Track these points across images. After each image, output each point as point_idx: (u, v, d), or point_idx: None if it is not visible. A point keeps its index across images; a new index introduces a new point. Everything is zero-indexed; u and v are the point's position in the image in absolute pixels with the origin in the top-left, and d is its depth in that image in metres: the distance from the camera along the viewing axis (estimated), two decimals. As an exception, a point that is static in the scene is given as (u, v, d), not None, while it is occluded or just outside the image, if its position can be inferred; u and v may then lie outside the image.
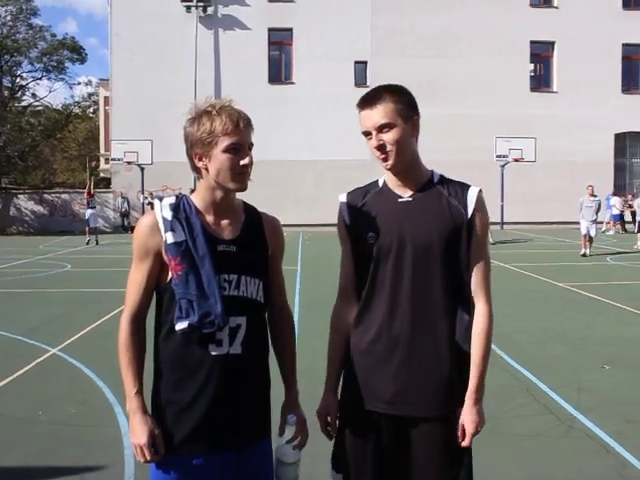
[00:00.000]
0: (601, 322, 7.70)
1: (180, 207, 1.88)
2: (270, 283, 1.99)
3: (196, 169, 1.90)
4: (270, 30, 26.19)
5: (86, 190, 20.65)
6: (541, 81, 27.34)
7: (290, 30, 26.19)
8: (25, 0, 31.50)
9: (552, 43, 26.82)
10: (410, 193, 1.95)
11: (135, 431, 1.83)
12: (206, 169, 1.86)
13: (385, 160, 1.89)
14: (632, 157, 28.02)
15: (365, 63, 25.85)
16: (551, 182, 25.56)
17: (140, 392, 1.88)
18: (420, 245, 1.88)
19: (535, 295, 9.57)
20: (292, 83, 26.33)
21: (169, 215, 1.86)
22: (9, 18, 31.64)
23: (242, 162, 1.82)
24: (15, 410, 4.66)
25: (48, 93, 62.19)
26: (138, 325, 1.90)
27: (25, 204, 27.53)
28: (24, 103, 35.69)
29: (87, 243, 19.71)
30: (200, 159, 1.85)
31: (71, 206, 27.11)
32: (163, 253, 1.84)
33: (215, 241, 1.87)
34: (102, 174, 35.15)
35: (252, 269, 1.90)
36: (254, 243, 1.94)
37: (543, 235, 21.94)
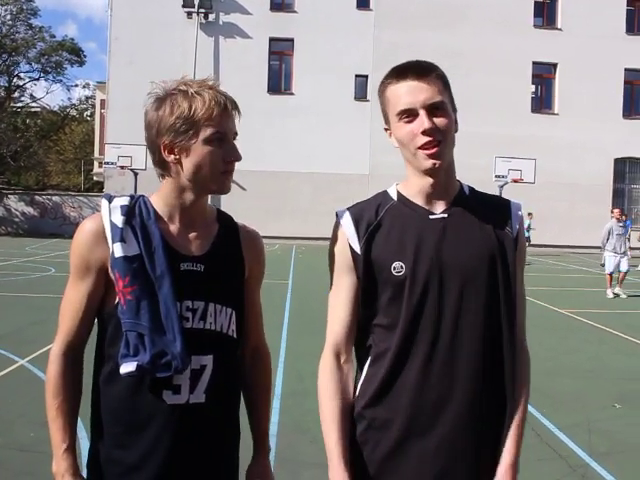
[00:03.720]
0: (606, 353, 7.30)
1: (135, 211, 1.45)
2: (244, 314, 1.55)
3: (162, 164, 1.46)
4: (271, 40, 25.91)
5: None
6: (542, 102, 27.14)
7: (291, 40, 25.92)
8: (25, 0, 31.27)
9: (554, 65, 26.66)
10: (442, 208, 1.48)
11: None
12: (179, 164, 1.43)
13: (433, 155, 1.39)
14: (631, 183, 27.77)
15: (366, 77, 25.52)
16: (549, 204, 25.27)
17: (72, 449, 1.46)
18: (469, 275, 1.42)
19: (536, 321, 9.11)
20: (291, 94, 26.00)
21: (119, 221, 1.42)
22: (8, 17, 31.39)
23: (229, 157, 1.42)
24: (-33, 431, 4.20)
25: (45, 94, 61.92)
26: (73, 359, 1.47)
27: (15, 205, 27.07)
28: (21, 104, 35.32)
29: None
30: (171, 151, 1.43)
31: (62, 208, 26.69)
32: (109, 269, 1.41)
33: (178, 257, 1.44)
34: (95, 178, 34.72)
35: (223, 295, 1.47)
36: (228, 262, 1.50)
37: (540, 258, 21.57)
